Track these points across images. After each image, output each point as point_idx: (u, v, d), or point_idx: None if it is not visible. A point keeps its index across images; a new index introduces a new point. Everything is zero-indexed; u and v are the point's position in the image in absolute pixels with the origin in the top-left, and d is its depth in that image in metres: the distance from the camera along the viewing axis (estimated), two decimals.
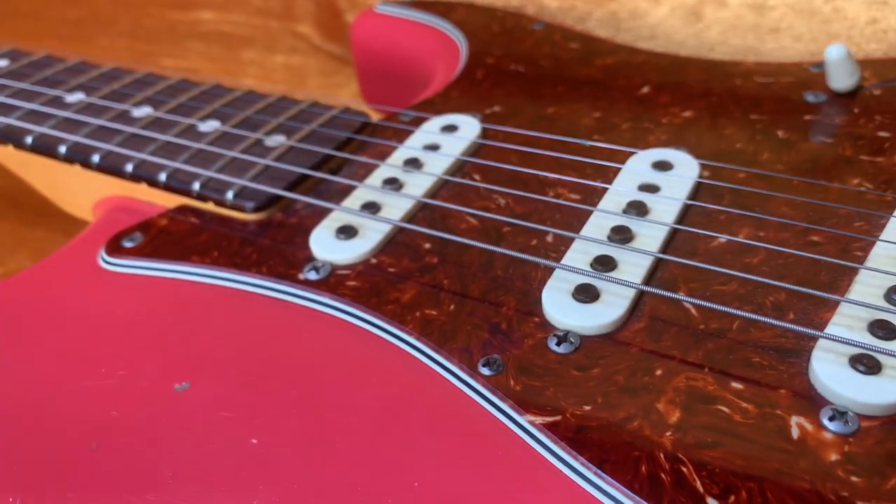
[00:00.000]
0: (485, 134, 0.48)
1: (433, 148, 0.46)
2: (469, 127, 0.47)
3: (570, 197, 0.42)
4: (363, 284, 0.38)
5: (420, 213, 0.42)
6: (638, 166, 0.42)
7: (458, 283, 0.37)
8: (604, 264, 0.36)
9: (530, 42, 0.58)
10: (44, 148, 0.50)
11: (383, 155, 0.47)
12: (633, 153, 0.44)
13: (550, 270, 0.36)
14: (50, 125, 0.50)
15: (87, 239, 0.45)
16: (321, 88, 0.80)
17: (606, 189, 0.41)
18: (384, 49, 0.65)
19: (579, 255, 0.37)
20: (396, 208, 0.41)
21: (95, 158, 0.47)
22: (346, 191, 0.44)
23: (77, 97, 0.53)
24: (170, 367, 0.36)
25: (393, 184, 0.43)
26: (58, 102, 0.53)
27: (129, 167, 0.46)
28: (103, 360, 0.36)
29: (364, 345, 0.36)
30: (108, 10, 0.89)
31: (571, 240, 0.38)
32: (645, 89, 0.50)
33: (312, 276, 0.39)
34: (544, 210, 0.41)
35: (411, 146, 0.46)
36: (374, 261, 0.39)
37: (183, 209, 0.45)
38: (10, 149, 0.51)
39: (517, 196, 0.42)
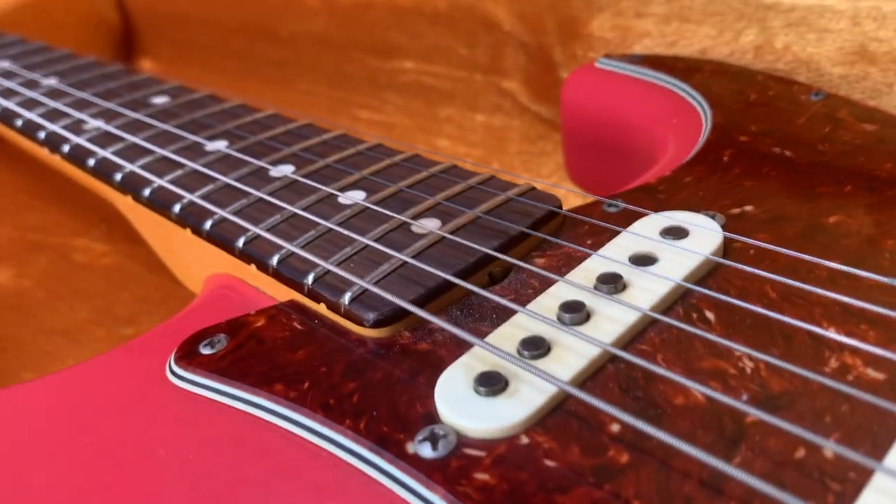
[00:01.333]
0: (728, 248, 0.32)
1: (645, 261, 0.31)
2: (704, 234, 0.32)
3: (865, 375, 0.25)
4: (500, 483, 0.23)
5: (609, 368, 0.27)
6: None
7: None
8: None
9: (803, 118, 0.41)
10: (158, 204, 0.41)
11: (568, 263, 0.32)
12: None
13: None
14: (172, 178, 0.42)
15: (166, 332, 0.34)
16: (522, 156, 0.67)
17: None
18: (600, 112, 0.51)
19: (883, 498, 0.21)
20: (573, 357, 0.27)
21: (206, 225, 0.37)
22: (504, 314, 0.30)
23: (218, 145, 0.44)
24: None
25: (574, 312, 0.28)
26: (195, 150, 0.44)
27: (240, 243, 0.36)
28: None
29: None
30: (313, 54, 0.83)
31: (872, 470, 0.22)
32: None
33: (426, 451, 0.25)
34: (820, 395, 0.24)
35: (611, 255, 0.32)
36: (525, 439, 0.25)
37: (292, 307, 0.33)
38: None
39: (775, 364, 0.26)
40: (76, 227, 0.69)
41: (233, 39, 0.89)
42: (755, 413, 0.23)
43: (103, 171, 0.45)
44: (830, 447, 0.23)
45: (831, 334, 0.26)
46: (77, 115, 0.52)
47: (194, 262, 0.41)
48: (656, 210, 0.35)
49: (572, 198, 0.63)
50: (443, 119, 0.73)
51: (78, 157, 0.47)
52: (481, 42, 0.69)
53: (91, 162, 0.46)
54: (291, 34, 0.83)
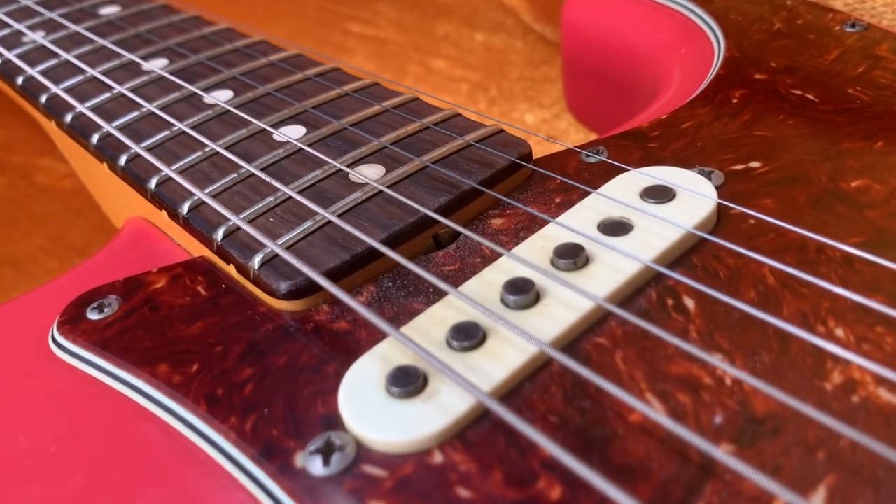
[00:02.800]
0: (723, 215, 0.26)
1: (615, 230, 0.25)
2: (692, 199, 0.26)
3: (876, 397, 0.20)
4: None
5: (554, 367, 0.22)
6: None
7: None
8: None
9: (834, 53, 0.35)
10: (78, 132, 0.35)
11: (529, 227, 0.27)
12: None
13: None
14: (95, 104, 0.36)
15: (65, 285, 0.29)
16: (523, 82, 0.61)
17: None
18: (603, 37, 0.45)
19: None
20: (510, 352, 0.22)
21: (121, 161, 0.32)
22: (435, 296, 0.25)
23: (155, 65, 0.39)
24: None
25: (520, 294, 0.23)
26: (129, 70, 0.39)
27: (152, 184, 0.30)
28: None
29: None
30: None
31: None
32: None
33: (316, 466, 0.20)
34: (816, 422, 0.19)
35: (575, 222, 0.26)
36: (438, 457, 0.20)
37: (201, 266, 0.28)
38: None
39: (765, 369, 0.20)
40: (43, 145, 0.64)
41: None
42: (722, 458, 0.18)
43: (30, 91, 0.40)
44: (817, 502, 0.17)
45: (836, 348, 0.21)
46: (16, 25, 0.46)
47: (115, 200, 0.36)
48: (643, 163, 0.29)
49: (574, 135, 0.57)
50: (440, 37, 0.67)
51: (8, 74, 0.42)
52: None
53: (19, 80, 0.41)
54: None
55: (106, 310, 0.26)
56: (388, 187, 0.28)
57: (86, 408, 0.24)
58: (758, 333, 0.22)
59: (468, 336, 0.22)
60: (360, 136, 0.31)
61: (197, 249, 0.29)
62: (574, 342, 0.22)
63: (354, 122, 0.32)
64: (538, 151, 0.31)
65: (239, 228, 0.27)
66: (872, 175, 0.27)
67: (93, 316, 0.26)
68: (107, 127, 0.34)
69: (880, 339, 0.21)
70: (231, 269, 0.27)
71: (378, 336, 0.23)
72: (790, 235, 0.25)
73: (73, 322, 0.26)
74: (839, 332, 0.21)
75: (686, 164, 0.29)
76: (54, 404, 0.24)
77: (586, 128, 0.52)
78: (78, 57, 0.40)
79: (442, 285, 0.24)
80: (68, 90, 0.38)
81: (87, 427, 0.23)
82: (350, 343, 0.24)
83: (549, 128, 0.57)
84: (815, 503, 0.17)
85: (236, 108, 0.34)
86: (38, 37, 0.44)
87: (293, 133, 0.32)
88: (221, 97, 0.35)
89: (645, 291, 0.24)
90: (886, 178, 0.27)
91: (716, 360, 0.21)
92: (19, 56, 0.42)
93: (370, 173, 0.29)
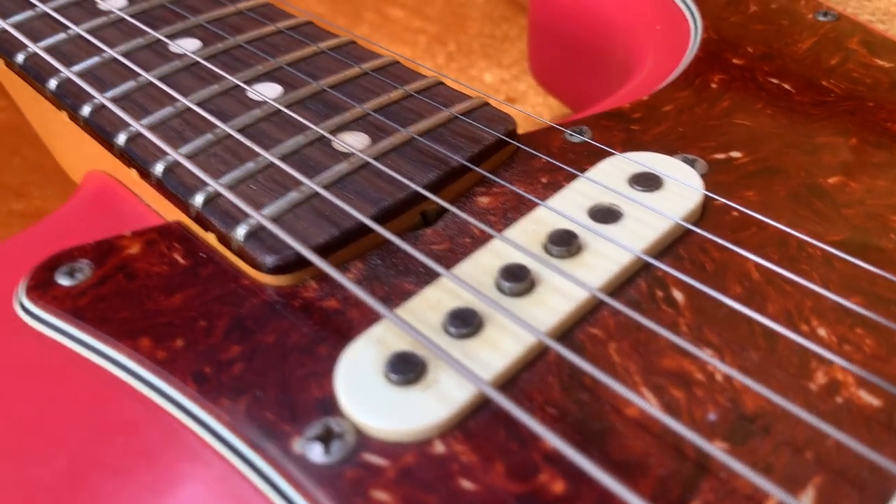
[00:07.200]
0: (707, 206, 0.27)
1: (606, 217, 0.26)
2: (680, 189, 0.26)
3: (858, 398, 0.21)
4: None
5: (551, 356, 0.22)
6: None
7: None
8: None
9: (808, 42, 0.35)
10: (33, 75, 0.33)
11: (516, 208, 0.27)
12: None
13: None
14: (50, 44, 0.34)
15: (25, 243, 0.28)
16: (482, 38, 0.60)
17: None
18: (576, 5, 0.44)
19: None
20: (508, 340, 0.22)
21: (85, 111, 0.30)
22: (427, 277, 0.24)
23: (115, 3, 0.36)
24: None
25: (516, 281, 0.23)
26: (86, 9, 0.36)
27: (121, 139, 0.29)
28: None
29: None
30: None
31: None
32: None
33: (315, 453, 0.20)
34: (804, 420, 0.20)
35: (567, 207, 0.26)
36: (440, 446, 0.20)
37: (176, 232, 0.27)
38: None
39: (748, 379, 0.21)
40: None
41: None
42: (715, 453, 0.19)
43: None
44: (806, 501, 0.18)
45: (819, 348, 0.22)
46: None
47: (74, 151, 0.34)
48: (627, 146, 0.29)
49: (533, 98, 0.56)
50: None
51: None
52: None
53: None
54: None
55: (77, 275, 0.25)
56: (375, 159, 0.27)
57: (63, 380, 0.23)
58: (745, 330, 0.22)
59: (465, 323, 0.22)
60: (340, 99, 0.30)
61: (170, 213, 0.28)
62: (568, 332, 0.23)
63: (333, 84, 0.31)
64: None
65: (219, 195, 0.26)
66: (848, 173, 0.28)
67: (63, 281, 0.25)
68: (65, 71, 0.32)
69: (860, 340, 0.22)
70: (210, 238, 0.26)
71: (370, 317, 0.23)
72: (771, 230, 0.25)
73: (42, 287, 0.25)
74: (822, 331, 0.22)
75: (669, 149, 0.29)
76: (28, 375, 0.23)
77: (547, 92, 0.52)
78: None
79: (436, 267, 0.23)
80: (18, 26, 0.35)
81: (69, 402, 0.22)
82: (341, 323, 0.23)
83: (509, 88, 0.57)
84: (805, 503, 0.18)
85: (206, 59, 0.32)
86: None
87: (269, 92, 0.31)
88: (189, 46, 0.33)
89: (635, 282, 0.24)
90: (861, 176, 0.28)
91: (706, 355, 0.22)
92: None
93: (354, 142, 0.28)
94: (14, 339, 0.24)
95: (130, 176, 0.29)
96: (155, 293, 0.24)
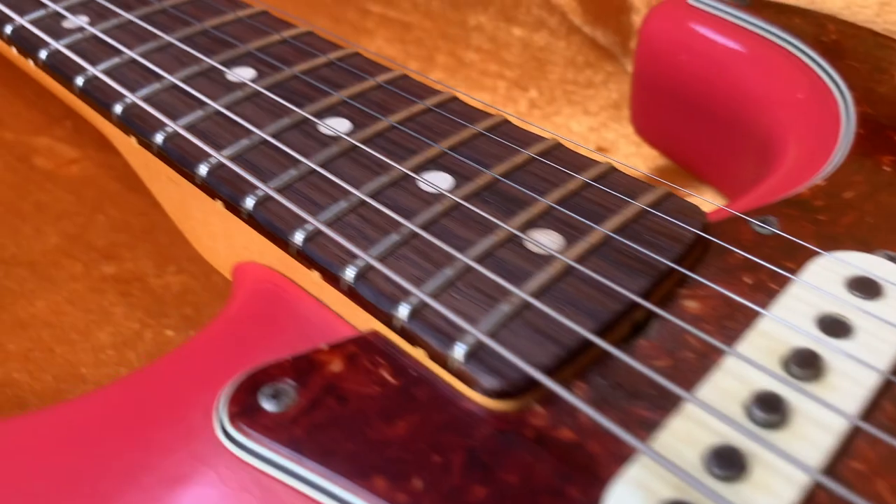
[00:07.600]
0: None
1: (837, 330, 0.24)
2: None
3: None
4: None
5: (819, 497, 0.21)
6: None
7: None
8: None
9: None
10: (176, 158, 0.32)
11: (731, 316, 0.25)
12: None
13: None
14: (188, 121, 0.32)
15: (204, 349, 0.26)
16: (565, 85, 0.59)
17: None
18: (692, 63, 0.43)
19: None
20: (777, 486, 0.20)
21: (248, 204, 0.29)
22: (665, 393, 0.23)
23: (245, 73, 0.35)
24: None
25: (769, 412, 0.22)
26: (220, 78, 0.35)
27: (298, 239, 0.27)
28: None
29: None
30: None
31: None
32: None
33: None
34: None
35: (794, 318, 0.25)
36: None
37: (375, 345, 0.25)
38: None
39: None
40: (38, 121, 0.58)
41: None
42: None
43: (133, 124, 0.35)
44: None
45: None
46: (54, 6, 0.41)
47: (222, 238, 0.33)
48: (819, 239, 0.28)
49: (625, 148, 0.54)
50: (472, 27, 0.63)
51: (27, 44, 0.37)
52: None
53: (117, 108, 0.35)
54: None
55: (283, 398, 0.24)
56: (579, 263, 0.26)
57: None
58: None
59: (731, 464, 0.21)
60: (518, 190, 0.29)
61: (359, 319, 0.26)
62: (832, 468, 0.21)
63: (504, 172, 0.30)
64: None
65: (425, 306, 0.25)
66: None
67: (269, 407, 0.23)
68: (216, 156, 0.30)
69: None
70: (418, 353, 0.25)
71: (613, 450, 0.22)
72: None
73: (248, 414, 0.23)
74: None
75: (866, 244, 0.28)
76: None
77: (651, 146, 0.50)
78: (146, 57, 0.36)
79: (676, 391, 0.22)
80: (147, 99, 0.33)
81: None
82: (584, 458, 0.22)
83: (598, 137, 0.56)
84: None
85: (363, 143, 0.31)
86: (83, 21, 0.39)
87: (441, 182, 0.29)
88: (340, 127, 0.32)
89: (880, 404, 0.23)
90: None
91: None
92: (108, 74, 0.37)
93: (549, 243, 0.27)
94: (225, 471, 0.23)
95: (310, 277, 0.27)
96: (374, 420, 0.23)
